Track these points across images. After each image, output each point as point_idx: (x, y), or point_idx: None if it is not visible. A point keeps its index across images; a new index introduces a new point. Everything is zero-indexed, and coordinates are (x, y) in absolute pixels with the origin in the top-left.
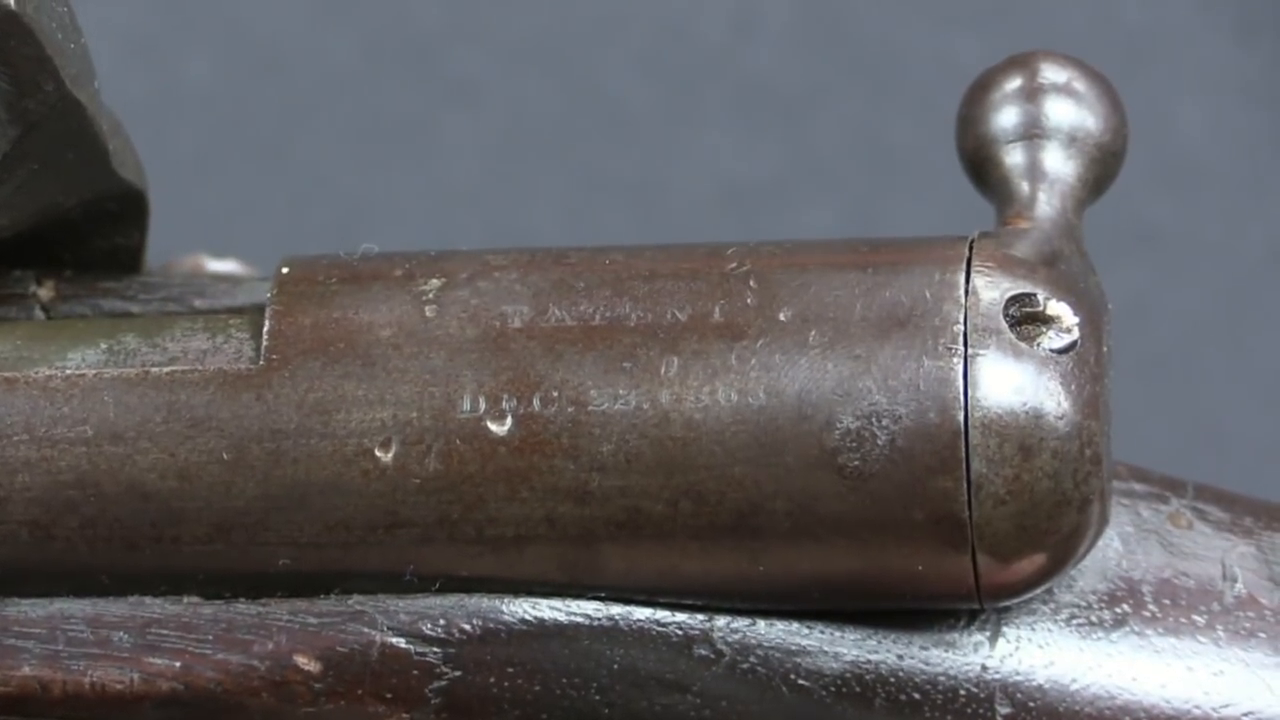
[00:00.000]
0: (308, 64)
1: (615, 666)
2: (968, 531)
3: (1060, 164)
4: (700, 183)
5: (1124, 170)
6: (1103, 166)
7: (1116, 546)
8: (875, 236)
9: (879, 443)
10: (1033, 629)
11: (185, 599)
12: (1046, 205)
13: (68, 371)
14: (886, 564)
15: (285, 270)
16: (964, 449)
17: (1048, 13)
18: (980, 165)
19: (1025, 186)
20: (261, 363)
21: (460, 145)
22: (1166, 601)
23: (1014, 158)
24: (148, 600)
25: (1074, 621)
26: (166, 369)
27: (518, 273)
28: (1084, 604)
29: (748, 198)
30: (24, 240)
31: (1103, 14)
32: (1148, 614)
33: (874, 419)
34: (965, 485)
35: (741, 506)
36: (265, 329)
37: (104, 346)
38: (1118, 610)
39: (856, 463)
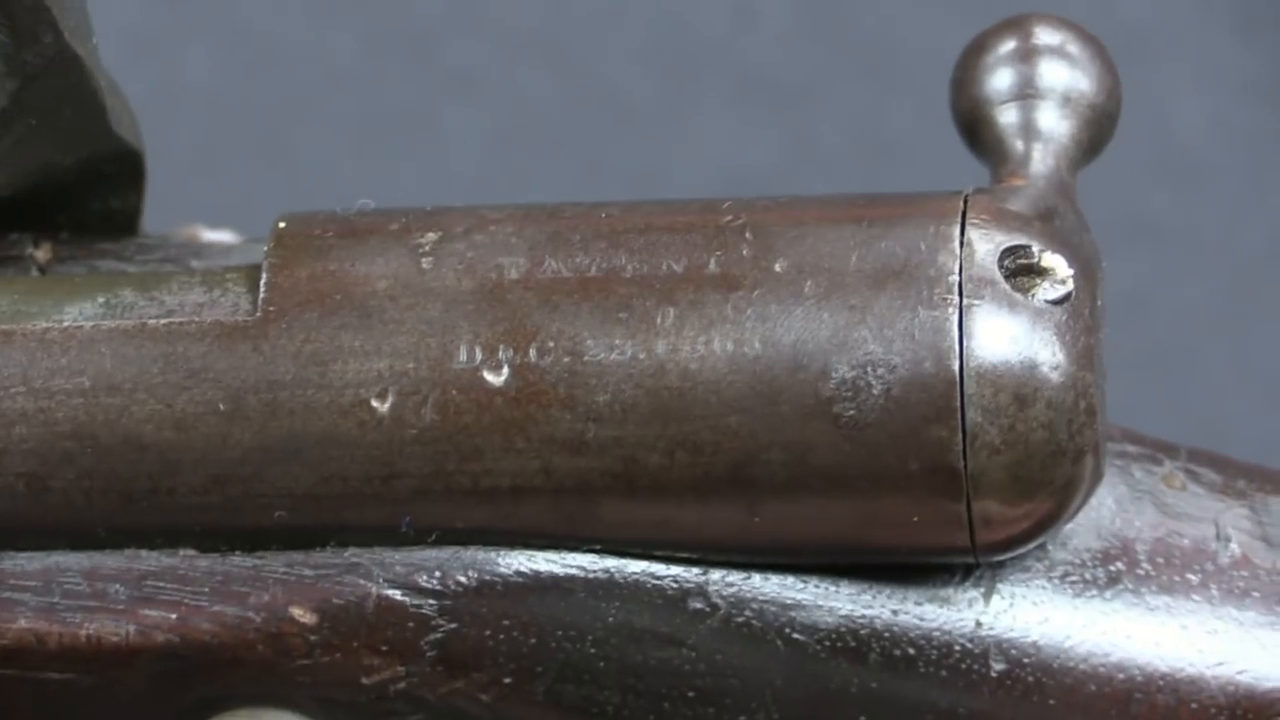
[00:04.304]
0: (307, 58)
1: (610, 620)
2: (963, 481)
3: (1054, 123)
4: (700, 173)
5: (1124, 164)
6: (1096, 128)
7: (1110, 505)
8: (870, 192)
9: (874, 392)
10: (1027, 586)
11: (181, 552)
12: (1041, 163)
13: (64, 324)
14: (882, 515)
15: (282, 225)
16: (959, 398)
17: (1047, 5)
18: (974, 126)
19: (1020, 145)
20: (258, 314)
21: (460, 137)
22: (1160, 560)
23: (1008, 117)
24: (144, 553)
25: (1068, 579)
26: (163, 321)
27: (513, 226)
28: (1078, 562)
29: (747, 187)
30: (20, 203)
31: (1103, 9)
32: (1142, 572)
33: (869, 369)
34: (960, 435)
35: (737, 457)
36: (262, 281)
37: (101, 300)
38: (1112, 569)
39: (852, 412)
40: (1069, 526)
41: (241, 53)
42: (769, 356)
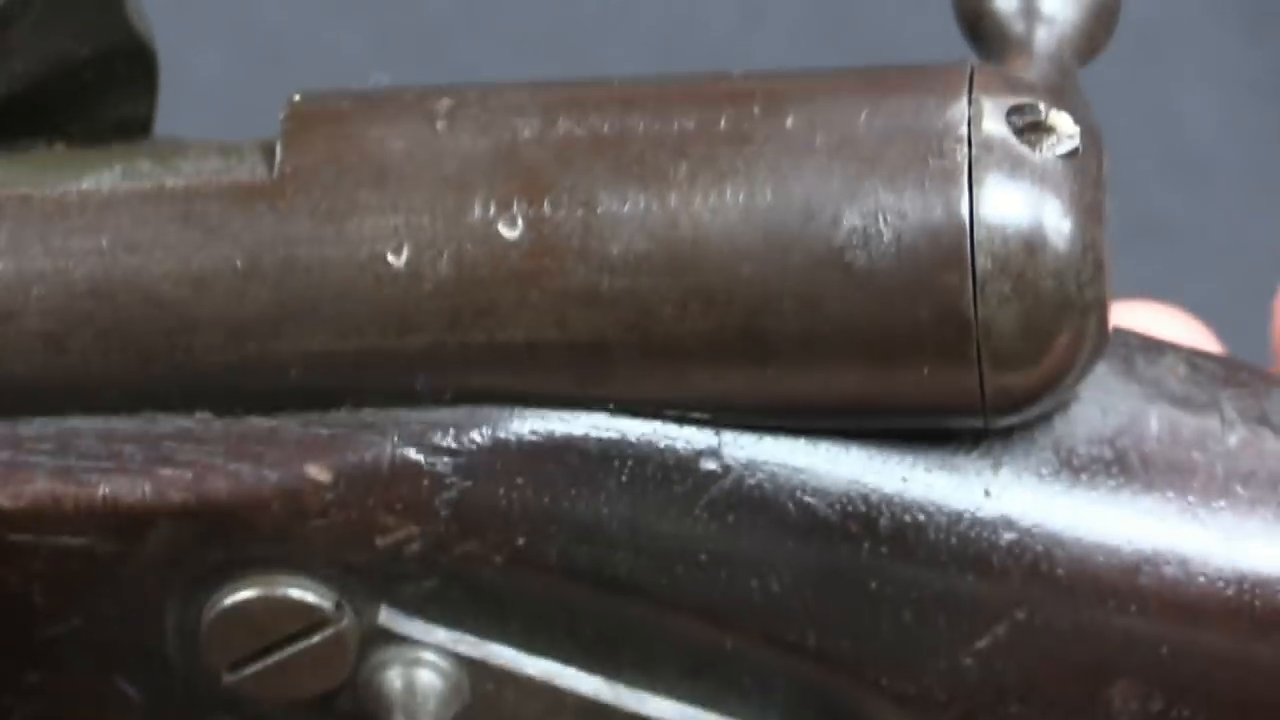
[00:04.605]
0: (315, 56)
1: (624, 480)
2: (973, 329)
3: (1058, 10)
4: None
5: (1133, 163)
6: (1098, 23)
7: (1115, 388)
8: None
9: (885, 240)
10: (1036, 461)
11: (197, 414)
12: (1044, 45)
13: (82, 187)
14: (894, 366)
15: (298, 97)
16: (969, 246)
17: None
18: (977, 22)
19: (1022, 28)
20: (275, 175)
21: None
22: (1166, 440)
23: (1009, 6)
24: (160, 416)
25: (1075, 455)
26: (181, 183)
27: (527, 94)
28: (1085, 439)
29: None
30: (35, 105)
31: None
32: (1148, 450)
33: (880, 217)
34: (970, 281)
35: (750, 307)
36: (278, 144)
37: (119, 168)
38: (1118, 446)
39: (863, 260)
40: (1075, 408)
41: (251, 51)
42: (780, 207)
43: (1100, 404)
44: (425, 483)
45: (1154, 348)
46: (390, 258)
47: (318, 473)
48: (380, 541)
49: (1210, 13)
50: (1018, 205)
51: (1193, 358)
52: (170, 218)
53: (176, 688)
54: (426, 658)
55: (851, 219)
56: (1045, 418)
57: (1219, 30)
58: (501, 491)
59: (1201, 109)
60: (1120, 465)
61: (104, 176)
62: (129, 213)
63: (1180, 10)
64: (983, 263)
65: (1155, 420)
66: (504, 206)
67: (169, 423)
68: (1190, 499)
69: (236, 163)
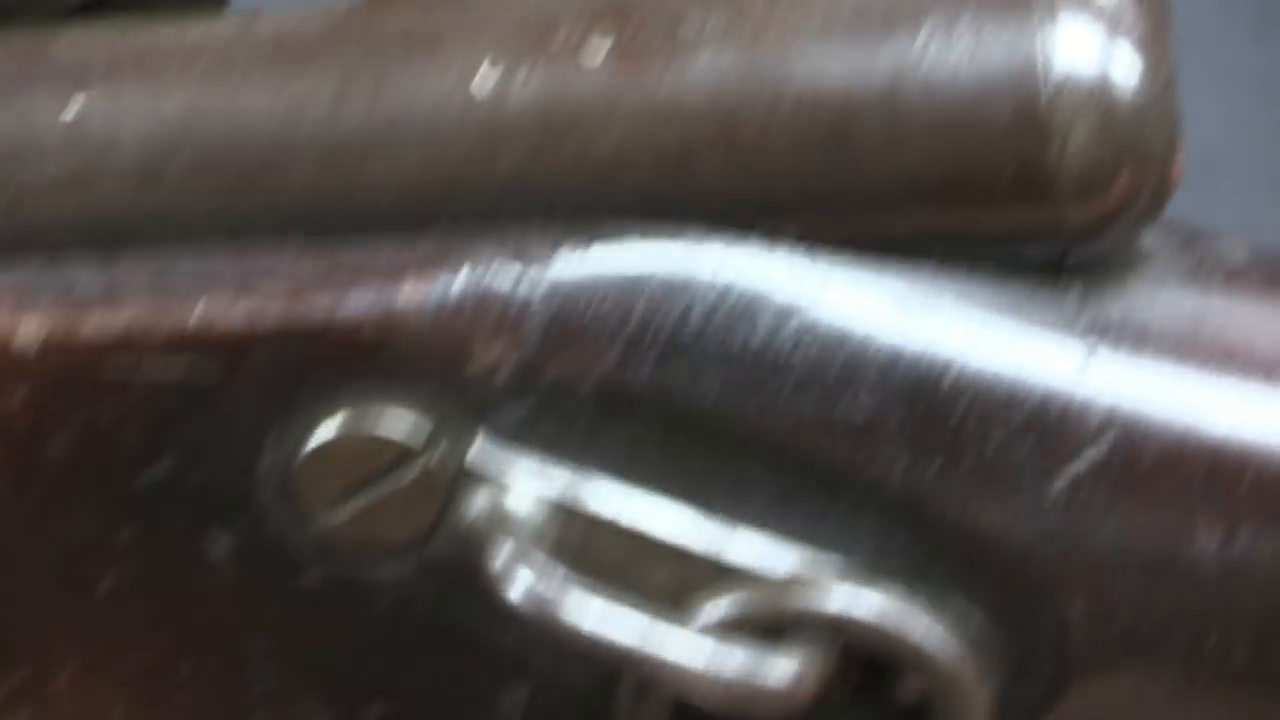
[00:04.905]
0: None
1: (709, 306)
2: (1051, 131)
3: None
4: None
5: None
6: None
7: (1180, 264)
8: None
9: (962, 46)
10: (1109, 324)
11: (290, 241)
12: None
13: (174, 33)
14: (974, 177)
15: None
16: (1044, 53)
17: None
18: None
19: None
20: (360, 11)
21: None
22: (1232, 312)
23: None
24: (253, 244)
25: (1140, 323)
26: (269, 26)
27: None
28: (1152, 308)
29: None
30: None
31: None
32: (1215, 321)
33: (959, 24)
34: (1047, 86)
35: (833, 115)
36: None
37: (205, 22)
38: (1186, 316)
39: (942, 68)
40: (1142, 278)
41: None
42: (860, 20)
43: (1166, 275)
44: (515, 307)
45: (1214, 233)
46: (478, 81)
47: (408, 298)
48: (471, 367)
49: (1217, 12)
50: (1091, 21)
51: (1252, 242)
52: (260, 52)
53: (268, 541)
54: (517, 500)
55: (930, 27)
56: (1116, 282)
57: (1226, 30)
58: (590, 315)
59: (1207, 108)
60: (1188, 331)
61: (193, 27)
62: (219, 49)
63: (1188, 11)
64: (1058, 69)
65: (1221, 294)
66: (590, 29)
67: (262, 250)
68: (1256, 366)
69: (319, 10)
